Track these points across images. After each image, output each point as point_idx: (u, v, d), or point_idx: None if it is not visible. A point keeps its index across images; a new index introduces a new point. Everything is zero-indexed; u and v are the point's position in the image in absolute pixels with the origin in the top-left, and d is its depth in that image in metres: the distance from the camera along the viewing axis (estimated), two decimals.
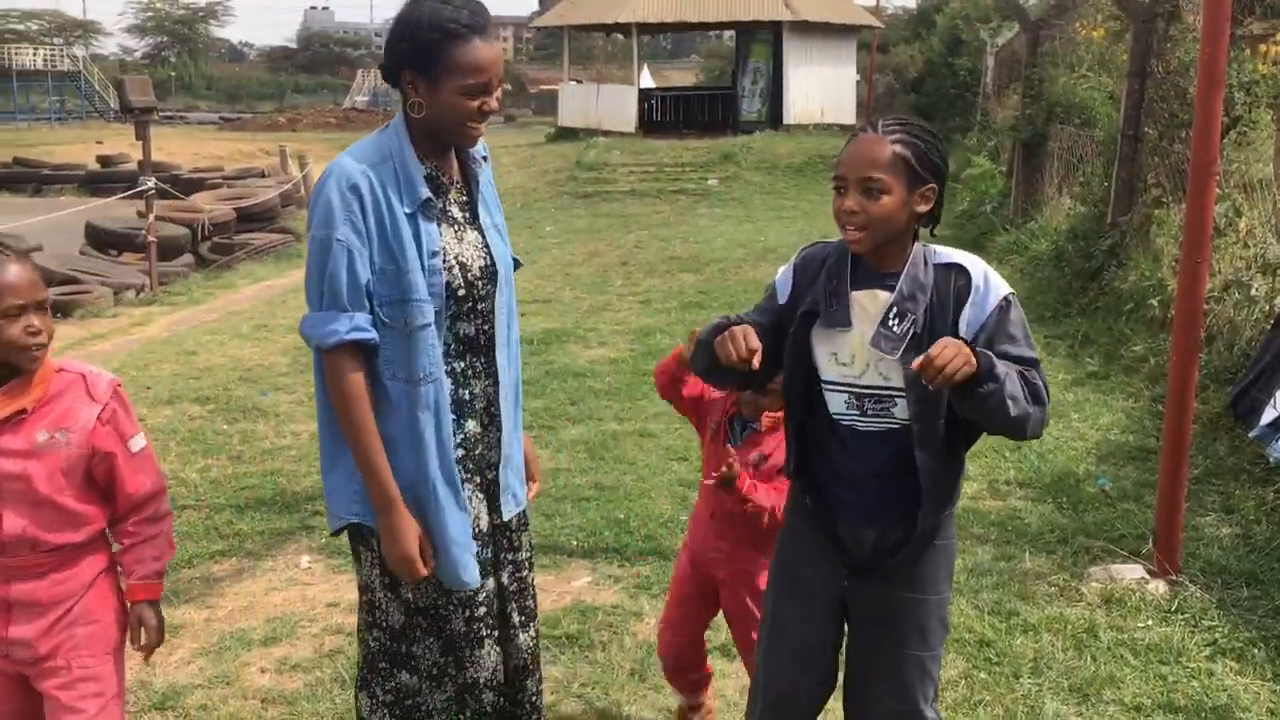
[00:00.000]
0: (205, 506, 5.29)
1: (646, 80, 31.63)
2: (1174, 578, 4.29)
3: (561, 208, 18.49)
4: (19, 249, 2.38)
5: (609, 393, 7.07)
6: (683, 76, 54.02)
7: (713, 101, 28.15)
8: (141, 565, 2.51)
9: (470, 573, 2.56)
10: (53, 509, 2.37)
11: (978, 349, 2.19)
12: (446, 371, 2.55)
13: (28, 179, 27.88)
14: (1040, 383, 2.27)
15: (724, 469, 2.80)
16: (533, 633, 2.86)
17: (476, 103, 2.45)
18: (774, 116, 25.24)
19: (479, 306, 2.58)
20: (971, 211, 13.80)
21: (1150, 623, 4.03)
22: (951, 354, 2.11)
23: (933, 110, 23.91)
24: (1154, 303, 7.27)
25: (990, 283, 2.32)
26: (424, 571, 2.48)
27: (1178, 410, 4.31)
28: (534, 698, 2.88)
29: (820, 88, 25.17)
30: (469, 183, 2.64)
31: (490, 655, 2.68)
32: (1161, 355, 6.64)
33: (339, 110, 53.12)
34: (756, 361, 2.24)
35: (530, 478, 2.93)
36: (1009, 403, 2.18)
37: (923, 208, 2.33)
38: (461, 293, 2.52)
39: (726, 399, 3.04)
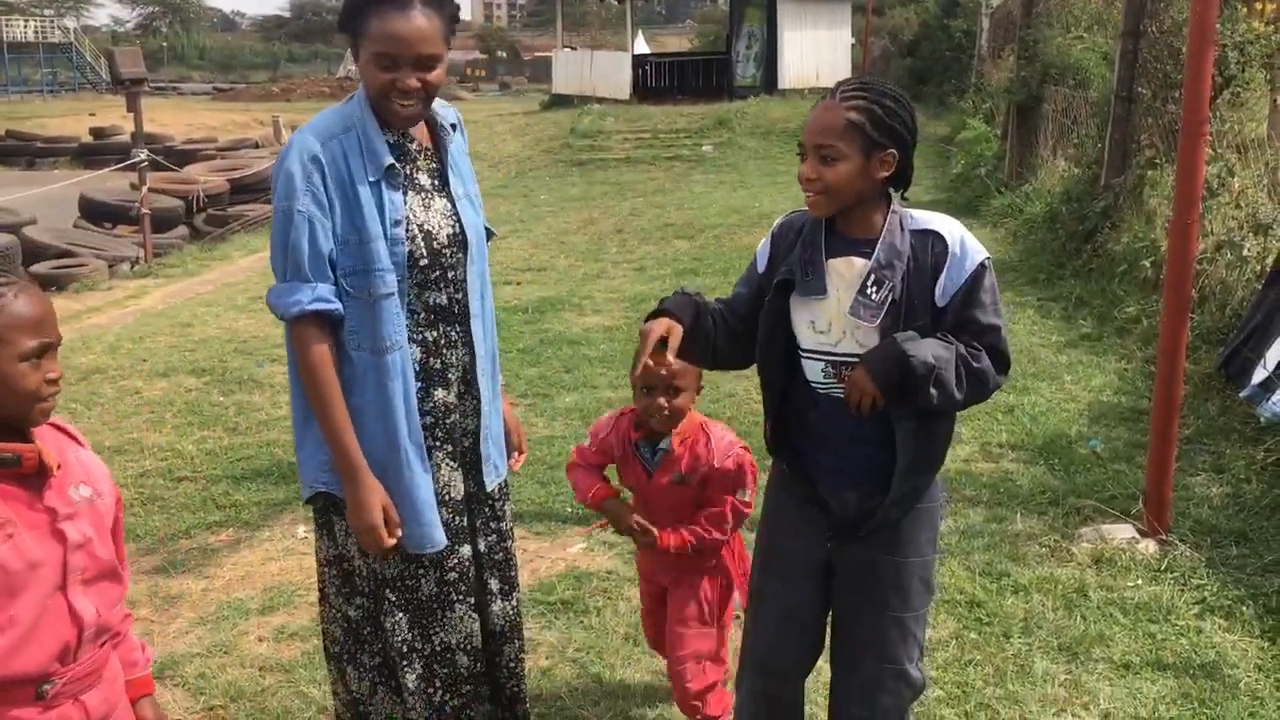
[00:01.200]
0: (202, 478, 5.31)
1: (641, 46, 31.45)
2: (1164, 537, 4.32)
3: (556, 175, 18.44)
4: (21, 283, 1.84)
5: (603, 360, 7.08)
6: (678, 42, 53.72)
7: (707, 67, 28.01)
8: (135, 653, 2.09)
9: (439, 532, 2.58)
10: (110, 583, 1.93)
11: (907, 348, 2.24)
12: (418, 340, 2.55)
13: (21, 152, 27.82)
14: (987, 363, 2.31)
15: (641, 537, 2.93)
16: (514, 601, 2.88)
17: (390, 76, 2.40)
18: (769, 81, 25.10)
19: (449, 275, 2.57)
20: (966, 175, 13.75)
21: (1140, 582, 4.06)
22: (855, 398, 2.29)
23: (928, 73, 23.81)
24: (1146, 264, 7.26)
25: (966, 247, 2.32)
26: (388, 541, 2.48)
27: (1168, 370, 4.32)
28: (512, 663, 2.91)
29: (815, 51, 25.00)
30: (440, 150, 2.62)
31: (464, 620, 2.70)
32: (1154, 316, 6.65)
33: (333, 79, 52.86)
34: (668, 362, 2.40)
35: (516, 448, 2.95)
36: (935, 394, 2.25)
37: (883, 173, 2.33)
38: (424, 261, 2.51)
39: (621, 428, 3.04)
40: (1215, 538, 4.36)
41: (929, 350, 2.24)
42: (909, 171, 2.37)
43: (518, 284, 9.62)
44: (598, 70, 26.79)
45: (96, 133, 28.66)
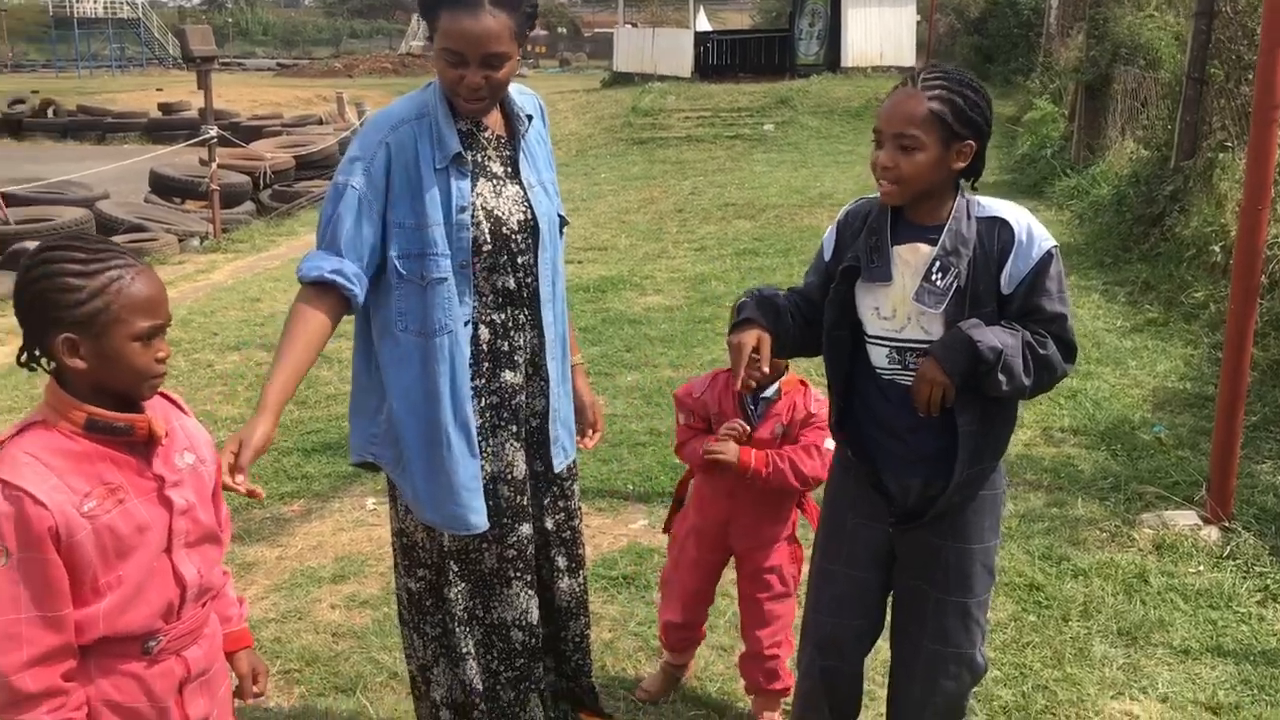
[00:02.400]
0: (273, 450, 5.44)
1: (702, 23, 31.28)
2: (1227, 524, 4.30)
3: (617, 154, 18.47)
4: (138, 260, 1.92)
5: (664, 339, 7.14)
6: (739, 19, 53.26)
7: (769, 44, 27.80)
8: (232, 609, 2.18)
9: (479, 516, 2.63)
10: (211, 546, 2.04)
11: (973, 334, 2.27)
12: (486, 322, 2.61)
13: (92, 127, 28.36)
14: (1053, 350, 2.33)
15: (732, 432, 2.97)
16: (580, 579, 2.96)
17: (457, 73, 2.45)
18: (831, 59, 24.86)
19: (518, 260, 2.63)
20: (1032, 155, 13.58)
21: (1201, 568, 4.06)
22: (925, 391, 2.31)
23: (995, 51, 23.43)
24: (1215, 249, 7.16)
25: (1033, 235, 2.34)
26: (230, 481, 2.15)
27: (1235, 357, 4.29)
28: (577, 638, 3.00)
29: (879, 29, 24.71)
30: (514, 139, 2.67)
31: (520, 596, 2.77)
32: (1221, 302, 6.55)
33: (395, 55, 53.20)
34: (764, 372, 2.44)
35: (592, 425, 3.01)
36: (1003, 381, 2.28)
37: (960, 164, 2.34)
38: (489, 246, 2.57)
39: (719, 386, 3.12)
40: (1279, 525, 4.33)
41: (996, 337, 2.27)
42: (982, 162, 2.39)
43: (579, 263, 9.69)
44: (659, 47, 26.73)
45: (165, 108, 29.15)
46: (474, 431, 2.62)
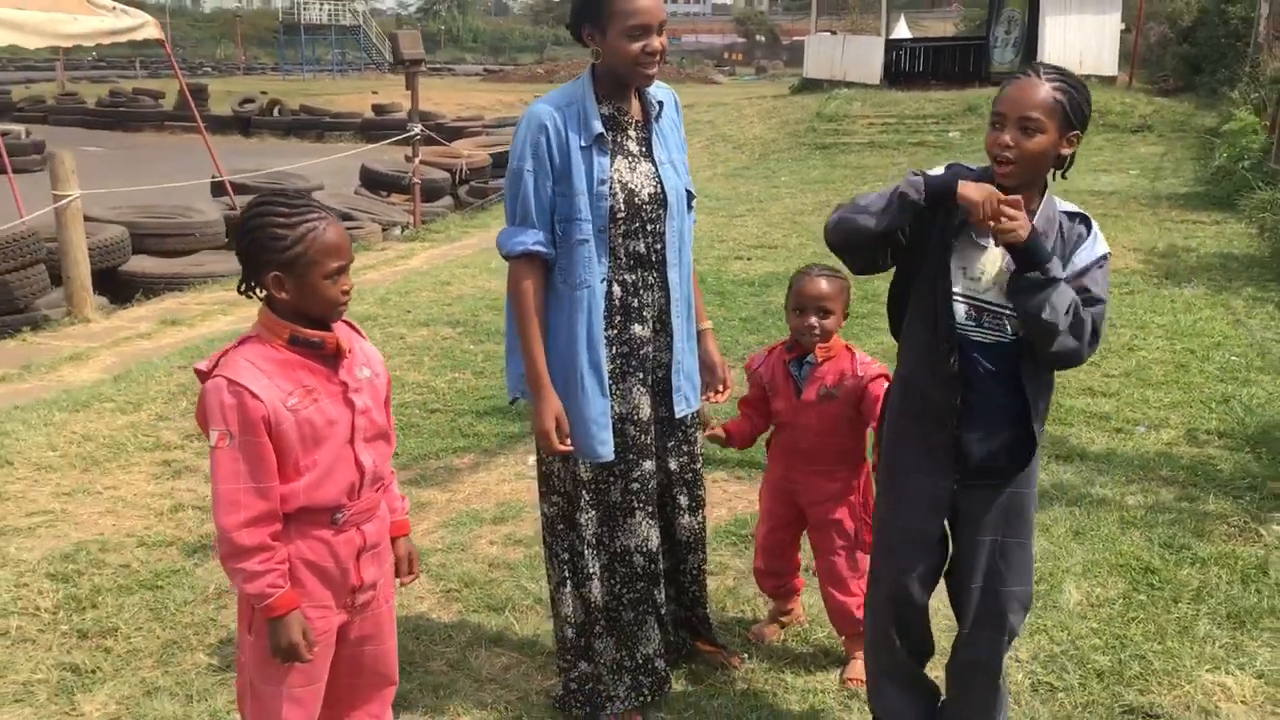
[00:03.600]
0: (451, 411, 6.04)
1: (902, 30, 31.03)
2: None
3: (799, 159, 18.70)
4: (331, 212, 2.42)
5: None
6: (942, 26, 52.32)
7: (964, 51, 27.37)
8: (397, 502, 2.63)
9: (605, 448, 3.03)
10: (383, 443, 2.48)
11: (1051, 257, 2.51)
12: (619, 281, 3.03)
13: (312, 125, 30.39)
14: (1091, 320, 2.56)
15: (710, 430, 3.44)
16: (700, 517, 3.35)
17: (639, 44, 2.89)
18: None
19: (648, 228, 3.04)
20: (1228, 168, 13.13)
21: None
22: (1016, 217, 2.46)
23: (1202, 61, 22.53)
24: None
25: (1098, 237, 2.64)
26: (559, 446, 2.97)
27: None
28: (695, 570, 3.40)
29: (1079, 36, 23.96)
30: (648, 122, 3.10)
31: (642, 525, 3.16)
32: None
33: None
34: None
35: (722, 382, 3.38)
36: (1047, 306, 2.49)
37: (1066, 150, 2.60)
38: (623, 214, 2.98)
39: (774, 357, 3.44)
40: None
41: (1061, 271, 2.54)
42: (1074, 158, 2.65)
43: (747, 259, 10.03)
44: (849, 55, 26.72)
45: (378, 109, 30.99)
46: (605, 374, 3.03)
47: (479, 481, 5.10)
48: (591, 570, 3.17)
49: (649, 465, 3.16)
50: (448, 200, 16.11)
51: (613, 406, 3.07)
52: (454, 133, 22.81)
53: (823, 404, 3.32)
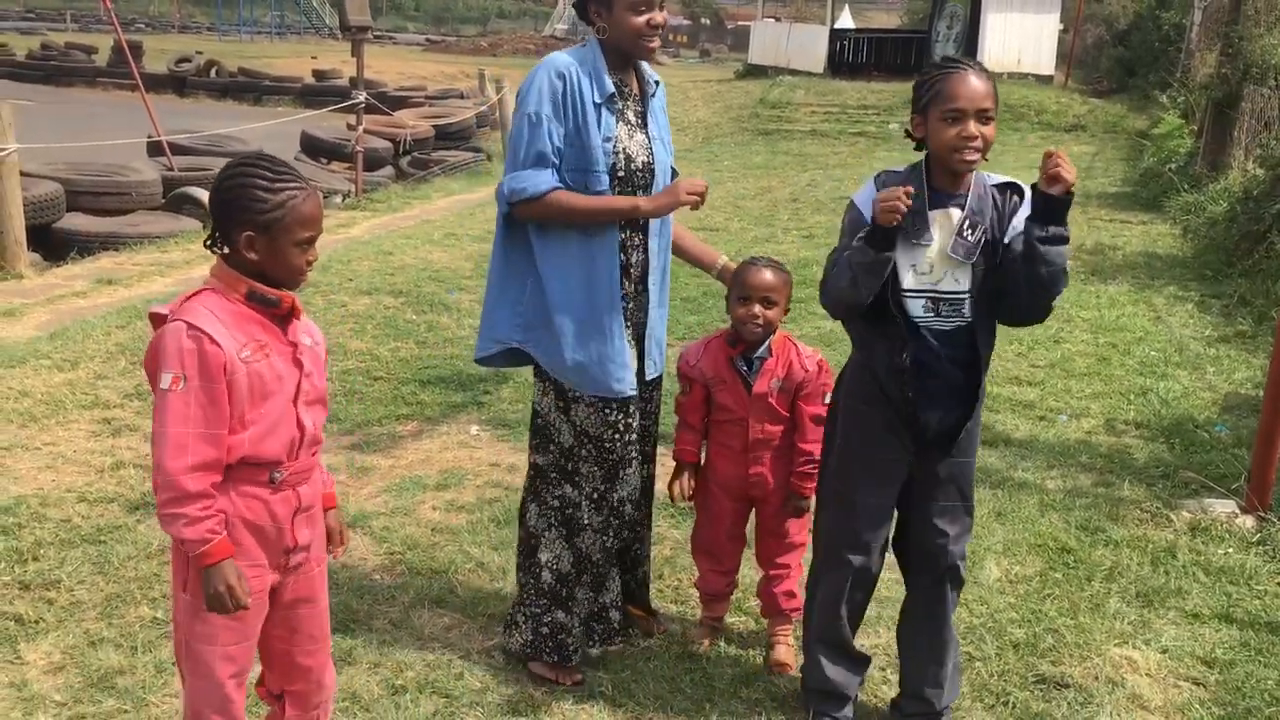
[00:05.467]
0: (394, 379, 6.08)
1: (847, 20, 31.29)
2: (1262, 514, 4.55)
3: (741, 144, 18.87)
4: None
5: None
6: (886, 18, 52.85)
7: (905, 44, 27.78)
8: (327, 475, 2.67)
9: (628, 384, 3.18)
10: (321, 408, 2.53)
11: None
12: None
13: (251, 89, 29.84)
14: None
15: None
16: (649, 470, 3.49)
17: (644, 18, 3.08)
18: None
19: (637, 193, 3.18)
20: (1155, 170, 13.55)
21: (1230, 550, 4.33)
22: (1070, 168, 2.70)
23: (1136, 64, 23.12)
24: None
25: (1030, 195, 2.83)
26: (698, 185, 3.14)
27: None
28: (639, 527, 3.53)
29: (1019, 35, 24.44)
30: (644, 98, 3.27)
31: (634, 475, 3.31)
32: None
33: (539, 37, 54.36)
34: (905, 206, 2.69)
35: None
36: (1066, 257, 2.72)
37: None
38: (622, 174, 3.14)
39: (714, 350, 3.44)
40: None
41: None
42: None
43: None
44: (794, 42, 26.96)
45: (318, 75, 30.55)
46: (624, 317, 3.18)
47: (422, 449, 5.17)
48: (587, 521, 3.29)
49: (638, 417, 3.31)
50: (389, 170, 16.01)
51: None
52: (397, 102, 22.58)
53: (776, 395, 3.38)
